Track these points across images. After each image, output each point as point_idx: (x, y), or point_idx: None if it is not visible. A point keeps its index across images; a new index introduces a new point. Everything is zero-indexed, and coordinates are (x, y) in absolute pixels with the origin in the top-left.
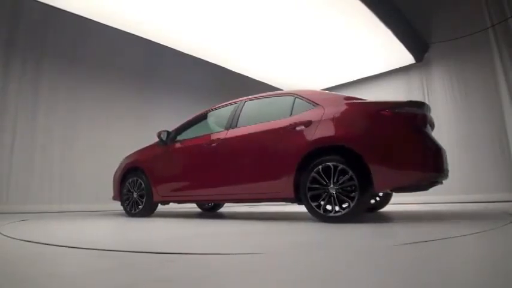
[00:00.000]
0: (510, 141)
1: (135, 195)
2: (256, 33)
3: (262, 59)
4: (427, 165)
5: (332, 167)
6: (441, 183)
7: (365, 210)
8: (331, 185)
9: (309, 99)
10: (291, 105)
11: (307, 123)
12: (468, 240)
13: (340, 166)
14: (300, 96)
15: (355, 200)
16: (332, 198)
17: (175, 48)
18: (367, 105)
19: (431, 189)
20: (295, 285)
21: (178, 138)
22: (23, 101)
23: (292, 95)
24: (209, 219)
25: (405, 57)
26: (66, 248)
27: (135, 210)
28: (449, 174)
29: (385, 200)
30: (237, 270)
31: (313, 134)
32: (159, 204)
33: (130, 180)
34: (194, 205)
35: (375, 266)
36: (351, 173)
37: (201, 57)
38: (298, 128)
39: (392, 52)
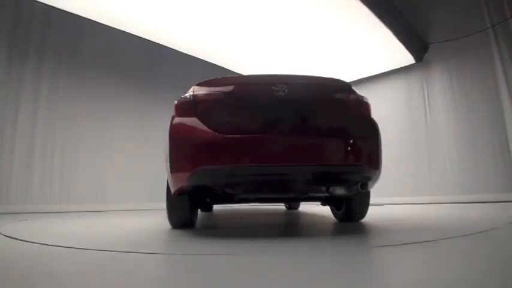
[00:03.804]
0: (510, 141)
1: None
2: (256, 33)
3: (262, 59)
4: (194, 160)
5: None
6: (366, 183)
7: (340, 219)
8: None
9: None
10: None
11: None
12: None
13: None
14: None
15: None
16: None
17: (175, 48)
18: None
19: (428, 189)
20: None
21: None
22: (23, 101)
23: None
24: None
25: (405, 57)
26: (66, 248)
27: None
28: (448, 174)
29: (355, 208)
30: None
31: None
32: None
33: None
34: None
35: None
36: None
37: (201, 58)
38: None
39: (393, 52)
